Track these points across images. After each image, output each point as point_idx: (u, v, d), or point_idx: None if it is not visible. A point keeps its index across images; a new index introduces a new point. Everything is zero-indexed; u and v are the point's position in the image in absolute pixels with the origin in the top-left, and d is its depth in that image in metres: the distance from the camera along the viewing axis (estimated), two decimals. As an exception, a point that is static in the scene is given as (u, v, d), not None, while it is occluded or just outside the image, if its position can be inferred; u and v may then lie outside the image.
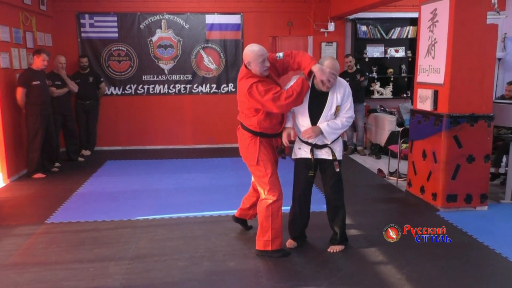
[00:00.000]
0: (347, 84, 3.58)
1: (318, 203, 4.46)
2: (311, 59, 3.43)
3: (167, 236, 4.07)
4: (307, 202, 3.80)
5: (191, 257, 3.62)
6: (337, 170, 3.59)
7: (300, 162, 3.68)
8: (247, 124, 3.55)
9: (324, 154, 3.59)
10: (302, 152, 3.64)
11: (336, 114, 3.50)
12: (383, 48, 8.51)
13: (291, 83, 3.48)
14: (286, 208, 4.62)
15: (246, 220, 4.16)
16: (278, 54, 3.55)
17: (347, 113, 3.52)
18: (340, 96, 3.48)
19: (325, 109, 3.47)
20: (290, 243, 3.80)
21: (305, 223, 3.85)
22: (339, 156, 3.61)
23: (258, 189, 3.66)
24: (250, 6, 8.03)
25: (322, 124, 3.47)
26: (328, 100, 3.47)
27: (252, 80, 3.39)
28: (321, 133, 3.47)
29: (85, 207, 4.88)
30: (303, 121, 3.54)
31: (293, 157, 3.73)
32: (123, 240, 3.96)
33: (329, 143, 3.55)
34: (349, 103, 3.53)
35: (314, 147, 3.58)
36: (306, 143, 3.59)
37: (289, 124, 3.62)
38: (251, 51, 3.39)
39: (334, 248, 3.74)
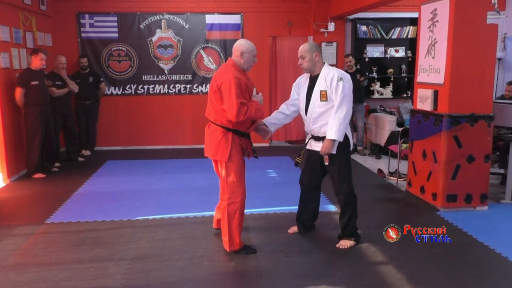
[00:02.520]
0: (335, 76, 3.55)
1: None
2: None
3: (167, 236, 4.07)
4: (310, 192, 3.95)
5: (191, 257, 3.62)
6: (326, 163, 3.69)
7: (307, 152, 3.84)
8: (219, 120, 3.53)
9: (318, 147, 3.69)
10: (306, 142, 3.83)
11: (323, 100, 3.56)
12: (383, 48, 8.52)
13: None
14: (289, 208, 4.64)
15: None
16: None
17: (338, 110, 3.52)
18: (323, 83, 3.57)
19: (313, 94, 3.63)
20: (292, 229, 4.07)
21: (309, 213, 4.02)
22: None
23: (220, 189, 3.69)
24: (250, 6, 8.04)
25: (326, 134, 3.56)
26: (315, 85, 3.63)
27: (236, 73, 3.43)
28: (333, 141, 3.55)
29: (85, 207, 4.88)
30: (302, 110, 3.76)
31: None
32: (123, 240, 3.96)
33: (333, 137, 3.54)
34: (338, 97, 3.52)
35: (313, 139, 3.74)
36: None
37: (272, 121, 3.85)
38: (248, 43, 3.57)
39: (343, 244, 3.76)
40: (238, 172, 3.55)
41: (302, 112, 3.76)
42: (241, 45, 3.54)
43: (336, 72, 3.58)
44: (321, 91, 3.57)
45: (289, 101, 3.89)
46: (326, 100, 3.56)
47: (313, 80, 3.67)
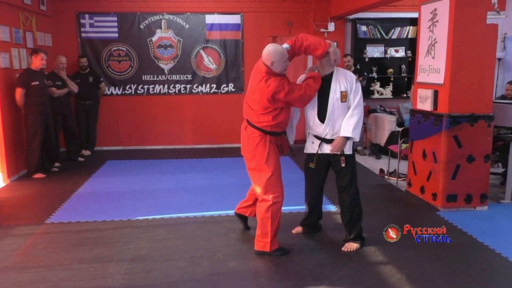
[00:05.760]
0: (353, 76, 3.61)
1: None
2: (320, 42, 3.51)
3: (167, 236, 4.07)
4: (315, 196, 3.93)
5: (191, 257, 3.62)
6: (343, 165, 3.61)
7: (310, 156, 3.76)
8: (258, 122, 3.53)
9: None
10: (314, 146, 3.70)
11: (343, 101, 3.53)
12: (383, 48, 8.52)
13: (302, 77, 3.63)
14: (289, 208, 4.64)
15: (246, 217, 4.11)
16: (284, 46, 3.52)
17: (352, 119, 3.53)
18: (344, 84, 3.55)
19: (330, 95, 3.53)
20: (296, 230, 4.04)
21: (314, 216, 4.03)
22: (347, 150, 3.62)
23: (256, 190, 3.65)
24: (250, 6, 8.04)
25: (341, 132, 3.53)
26: (331, 86, 3.54)
27: (275, 81, 3.40)
28: (346, 139, 3.53)
29: (85, 207, 4.88)
30: (311, 113, 3.62)
31: (304, 151, 3.82)
32: (123, 240, 3.96)
33: (349, 135, 3.51)
34: (357, 98, 3.55)
35: (323, 141, 3.63)
36: (317, 137, 3.66)
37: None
38: (276, 51, 3.41)
39: (348, 247, 3.73)
40: (277, 172, 3.58)
41: (314, 114, 3.60)
42: (269, 54, 3.42)
43: (351, 73, 3.63)
44: (341, 92, 3.52)
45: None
46: (346, 101, 3.53)
47: (324, 81, 3.57)
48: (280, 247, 3.66)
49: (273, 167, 3.55)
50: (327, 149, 3.64)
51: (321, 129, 3.59)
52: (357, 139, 3.58)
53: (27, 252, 3.73)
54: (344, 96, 3.52)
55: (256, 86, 3.49)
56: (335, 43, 3.64)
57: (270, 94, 3.39)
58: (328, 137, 3.61)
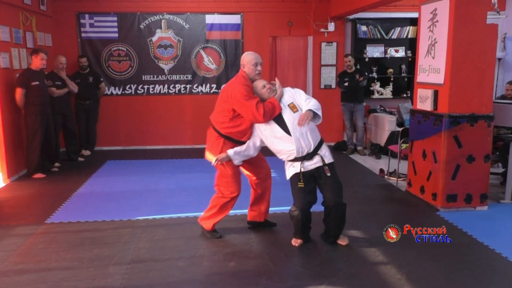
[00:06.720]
0: (288, 89, 3.80)
1: (318, 203, 4.44)
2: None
3: (167, 236, 4.07)
4: (309, 212, 3.82)
5: (191, 257, 3.62)
6: (328, 174, 3.63)
7: (295, 177, 3.69)
8: (217, 123, 3.80)
9: (317, 163, 3.64)
10: (296, 169, 3.66)
11: (295, 111, 3.62)
12: (383, 48, 8.52)
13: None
14: (284, 209, 4.64)
15: (262, 221, 4.18)
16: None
17: (309, 101, 3.64)
18: (286, 97, 3.70)
19: (284, 114, 3.61)
20: (296, 241, 3.85)
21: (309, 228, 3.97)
22: (328, 159, 3.68)
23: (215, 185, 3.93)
24: (250, 6, 8.04)
25: (306, 107, 3.61)
26: (281, 106, 3.66)
27: (243, 80, 3.69)
28: (312, 112, 3.57)
29: (85, 207, 4.88)
30: (279, 134, 3.63)
31: (287, 178, 3.77)
32: (123, 240, 3.96)
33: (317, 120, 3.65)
34: (302, 96, 3.72)
35: (304, 159, 3.61)
36: (295, 160, 3.64)
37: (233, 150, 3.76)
38: (245, 55, 3.82)
39: (346, 241, 3.80)
40: (230, 174, 3.78)
41: (285, 138, 3.60)
42: (242, 58, 3.82)
43: (286, 88, 3.80)
44: (289, 104, 3.65)
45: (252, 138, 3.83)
46: (297, 110, 3.64)
47: None
48: (213, 231, 3.99)
49: (227, 168, 3.76)
50: (308, 165, 3.62)
51: (295, 146, 3.57)
52: (320, 116, 3.61)
53: (27, 252, 3.73)
54: (293, 107, 3.66)
55: (227, 85, 3.84)
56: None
57: (231, 93, 3.64)
58: (305, 152, 3.60)
